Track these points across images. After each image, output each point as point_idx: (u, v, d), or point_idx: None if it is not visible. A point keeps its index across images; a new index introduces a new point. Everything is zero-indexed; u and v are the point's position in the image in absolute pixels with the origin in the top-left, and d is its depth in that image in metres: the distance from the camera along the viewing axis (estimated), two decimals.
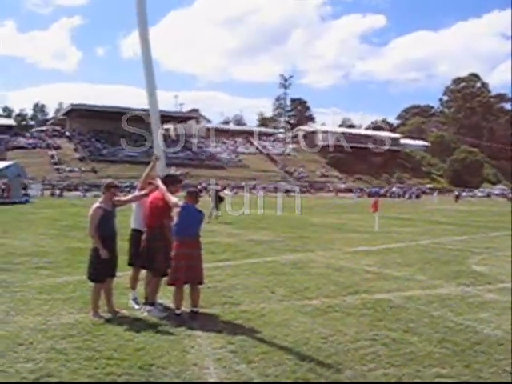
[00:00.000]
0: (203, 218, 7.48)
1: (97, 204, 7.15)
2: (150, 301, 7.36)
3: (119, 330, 6.45)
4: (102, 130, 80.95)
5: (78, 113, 78.05)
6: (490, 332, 6.71)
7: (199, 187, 60.45)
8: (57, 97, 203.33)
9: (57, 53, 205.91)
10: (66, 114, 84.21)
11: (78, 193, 53.82)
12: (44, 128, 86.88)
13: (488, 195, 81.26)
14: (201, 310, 7.30)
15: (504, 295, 8.94)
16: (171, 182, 7.54)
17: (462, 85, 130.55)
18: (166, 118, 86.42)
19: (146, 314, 7.21)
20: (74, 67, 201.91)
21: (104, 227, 7.03)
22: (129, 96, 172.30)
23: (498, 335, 6.58)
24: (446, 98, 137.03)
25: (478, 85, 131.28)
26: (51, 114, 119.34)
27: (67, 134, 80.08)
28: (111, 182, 7.83)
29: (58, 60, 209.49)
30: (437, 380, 5.08)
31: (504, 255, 13.88)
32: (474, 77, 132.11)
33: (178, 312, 7.04)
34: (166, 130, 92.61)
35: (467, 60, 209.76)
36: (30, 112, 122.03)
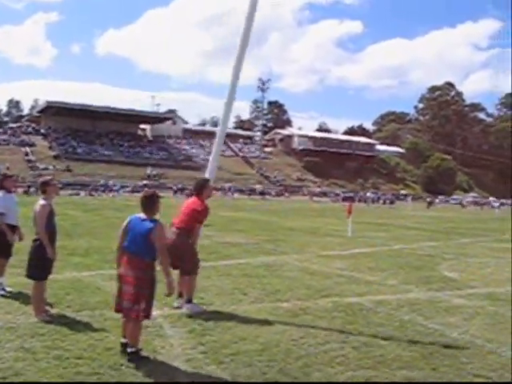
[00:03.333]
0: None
1: (42, 201, 7.00)
2: (187, 298, 7.61)
3: (90, 329, 6.41)
4: (77, 128, 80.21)
5: (54, 110, 77.12)
6: (458, 336, 6.81)
7: (175, 188, 60.45)
8: (31, 93, 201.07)
9: (31, 48, 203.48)
10: (41, 111, 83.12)
11: None
12: (18, 124, 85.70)
13: (460, 203, 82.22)
14: (172, 311, 7.30)
15: (472, 300, 9.08)
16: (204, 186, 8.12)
17: (437, 93, 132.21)
18: (142, 118, 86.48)
19: (185, 310, 7.45)
20: (48, 63, 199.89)
21: (49, 225, 6.95)
22: (104, 95, 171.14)
23: (465, 339, 6.68)
24: (421, 105, 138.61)
25: (453, 93, 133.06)
26: (26, 111, 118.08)
27: (42, 131, 79.03)
28: (51, 178, 7.76)
29: (32, 56, 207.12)
30: (405, 381, 5.14)
31: (474, 261, 14.09)
32: (449, 86, 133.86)
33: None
34: (143, 130, 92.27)
35: (440, 68, 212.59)
36: (4, 108, 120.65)
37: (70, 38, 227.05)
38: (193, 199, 8.07)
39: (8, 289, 8.18)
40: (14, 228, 8.29)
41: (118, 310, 5.73)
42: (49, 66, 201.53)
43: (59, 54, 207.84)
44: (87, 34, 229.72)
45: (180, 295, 7.75)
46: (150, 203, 5.68)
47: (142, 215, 5.68)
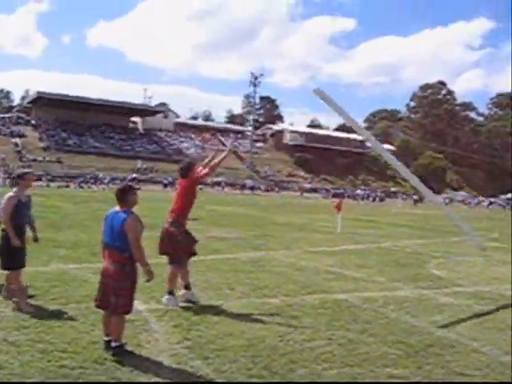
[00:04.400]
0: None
1: (10, 194, 7.11)
2: (168, 289, 7.57)
3: (75, 322, 6.39)
4: (68, 119, 79.75)
5: (45, 101, 76.58)
6: (443, 334, 6.83)
7: (165, 182, 60.32)
8: (22, 84, 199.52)
9: (22, 38, 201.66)
10: (32, 101, 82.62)
11: (41, 183, 52.82)
12: (9, 115, 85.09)
13: (451, 201, 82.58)
14: (158, 306, 7.28)
15: (459, 299, 9.11)
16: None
17: (429, 91, 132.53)
18: (133, 110, 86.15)
19: (164, 301, 7.43)
20: (39, 54, 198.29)
21: (17, 216, 7.01)
22: (95, 86, 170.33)
23: (450, 338, 6.70)
24: (413, 103, 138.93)
25: (444, 92, 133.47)
26: (17, 101, 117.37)
27: (33, 122, 78.53)
28: (27, 171, 7.76)
29: (23, 46, 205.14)
30: (390, 381, 5.14)
31: (462, 260, 14.15)
32: (441, 84, 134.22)
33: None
34: (134, 122, 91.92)
35: (432, 67, 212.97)
36: None
37: (60, 29, 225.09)
38: (180, 183, 8.02)
39: None
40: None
41: (98, 306, 5.69)
42: (40, 57, 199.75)
43: (50, 44, 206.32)
44: (78, 25, 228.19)
45: (186, 287, 7.75)
46: (123, 196, 5.62)
47: (118, 208, 5.63)
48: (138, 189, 6.04)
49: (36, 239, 7.77)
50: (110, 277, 5.48)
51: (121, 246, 5.47)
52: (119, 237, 5.47)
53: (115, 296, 5.44)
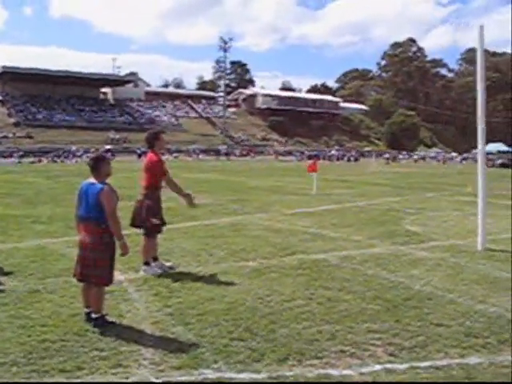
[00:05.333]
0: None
1: None
2: (144, 260, 7.57)
3: (54, 296, 6.36)
4: (36, 93, 78.29)
5: (11, 76, 74.93)
6: (420, 288, 6.96)
7: (139, 152, 59.79)
8: None
9: None
10: None
11: (12, 159, 52.06)
12: None
13: (423, 158, 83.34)
14: (137, 275, 7.29)
15: (434, 252, 9.27)
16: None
17: (400, 50, 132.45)
18: (103, 81, 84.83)
19: (142, 272, 7.44)
20: (0, 27, 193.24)
21: None
22: (62, 58, 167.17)
23: (427, 291, 6.83)
24: (383, 62, 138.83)
25: (415, 49, 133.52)
26: None
27: (0, 97, 77.00)
28: None
29: None
30: (369, 336, 5.24)
31: (436, 215, 14.35)
32: (411, 42, 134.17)
33: None
34: (104, 93, 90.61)
35: (402, 24, 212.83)
36: None
37: (20, 1, 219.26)
38: (148, 155, 7.95)
39: None
40: None
41: (78, 279, 5.65)
42: (1, 31, 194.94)
43: (10, 17, 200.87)
44: None
45: (154, 259, 7.74)
46: (96, 166, 5.52)
47: (92, 179, 5.55)
48: (112, 159, 6.00)
49: None
50: (88, 248, 5.43)
51: (97, 218, 5.40)
52: (95, 208, 5.39)
53: (94, 267, 5.41)
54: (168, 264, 7.87)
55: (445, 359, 4.73)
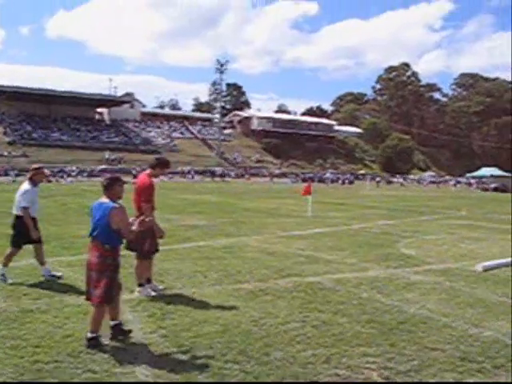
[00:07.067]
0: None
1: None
2: (138, 282, 7.53)
3: (47, 317, 6.31)
4: (32, 113, 78.46)
5: (7, 95, 75.06)
6: (415, 312, 6.94)
7: (134, 172, 59.73)
8: None
9: None
10: None
11: (8, 178, 51.89)
12: None
13: (418, 181, 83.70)
14: (132, 296, 7.26)
15: (429, 276, 9.26)
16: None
17: (394, 74, 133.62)
18: (99, 101, 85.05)
19: (137, 294, 7.39)
20: None
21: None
22: (58, 78, 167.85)
23: (422, 314, 6.82)
24: (378, 86, 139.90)
25: (409, 74, 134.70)
26: None
27: None
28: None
29: None
30: (363, 359, 5.22)
31: (431, 238, 14.36)
32: (405, 66, 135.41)
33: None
34: (100, 114, 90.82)
35: (395, 49, 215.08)
36: None
37: (17, 20, 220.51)
38: (141, 176, 7.88)
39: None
40: (34, 220, 8.54)
41: (87, 298, 5.70)
42: None
43: (7, 36, 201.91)
44: (36, 16, 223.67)
45: (148, 280, 7.69)
46: (110, 187, 5.63)
47: (103, 199, 5.63)
48: (125, 182, 6.04)
49: None
50: (93, 269, 5.50)
51: (103, 239, 5.50)
52: (102, 229, 5.48)
53: (95, 287, 5.46)
54: (161, 287, 7.84)
55: (440, 382, 4.71)
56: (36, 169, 8.72)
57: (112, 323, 5.67)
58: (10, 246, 8.50)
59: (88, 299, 5.66)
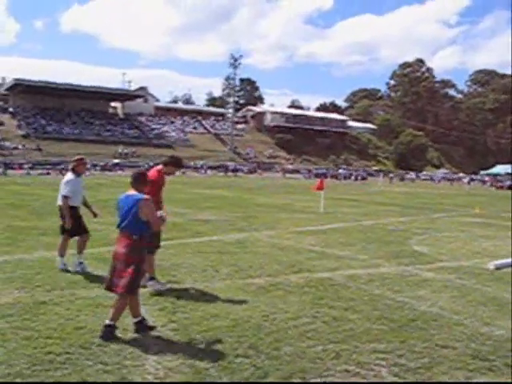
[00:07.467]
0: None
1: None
2: (150, 275, 7.49)
3: (60, 309, 6.36)
4: (46, 106, 78.89)
5: (22, 88, 75.60)
6: (426, 309, 6.92)
7: (147, 166, 59.94)
8: None
9: None
10: (8, 89, 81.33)
11: (22, 171, 52.31)
12: None
13: (431, 178, 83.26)
14: (143, 290, 7.29)
15: (441, 274, 9.23)
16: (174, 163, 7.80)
17: (408, 70, 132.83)
18: (113, 95, 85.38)
19: (149, 288, 7.34)
20: (12, 40, 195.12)
21: None
22: (73, 72, 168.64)
23: (433, 312, 6.80)
24: (392, 82, 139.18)
25: (423, 70, 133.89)
26: None
27: (10, 109, 77.48)
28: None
29: None
30: (374, 356, 5.21)
31: (443, 236, 14.30)
32: (420, 62, 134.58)
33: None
34: (114, 108, 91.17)
35: (410, 45, 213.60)
36: None
37: (32, 14, 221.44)
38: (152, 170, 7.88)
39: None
40: (75, 209, 8.59)
41: (107, 288, 5.76)
42: (13, 43, 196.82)
43: (22, 30, 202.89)
44: (50, 10, 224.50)
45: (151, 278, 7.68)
46: (139, 180, 5.83)
47: (130, 192, 5.77)
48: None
49: None
50: (120, 259, 5.60)
51: (130, 229, 5.62)
52: (130, 219, 5.61)
53: (120, 277, 5.54)
54: (163, 281, 7.80)
55: (450, 381, 4.70)
56: (78, 160, 8.91)
57: (135, 320, 5.71)
58: (60, 235, 8.77)
59: (108, 288, 5.72)
